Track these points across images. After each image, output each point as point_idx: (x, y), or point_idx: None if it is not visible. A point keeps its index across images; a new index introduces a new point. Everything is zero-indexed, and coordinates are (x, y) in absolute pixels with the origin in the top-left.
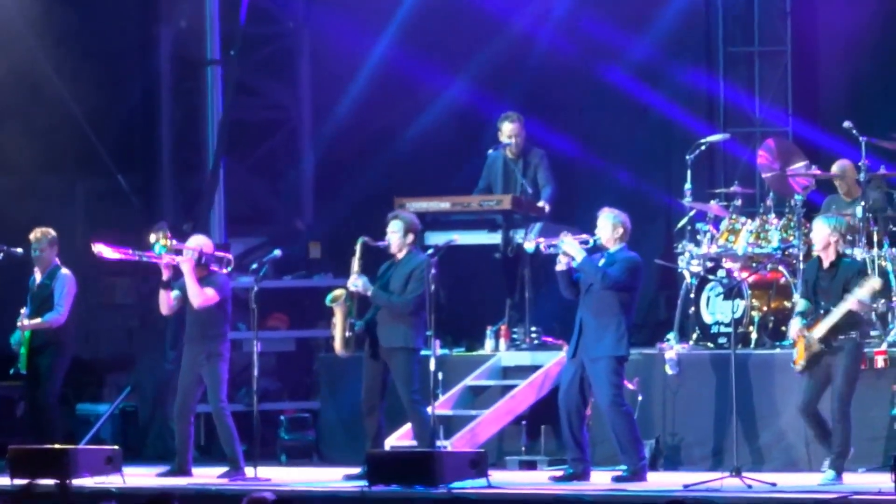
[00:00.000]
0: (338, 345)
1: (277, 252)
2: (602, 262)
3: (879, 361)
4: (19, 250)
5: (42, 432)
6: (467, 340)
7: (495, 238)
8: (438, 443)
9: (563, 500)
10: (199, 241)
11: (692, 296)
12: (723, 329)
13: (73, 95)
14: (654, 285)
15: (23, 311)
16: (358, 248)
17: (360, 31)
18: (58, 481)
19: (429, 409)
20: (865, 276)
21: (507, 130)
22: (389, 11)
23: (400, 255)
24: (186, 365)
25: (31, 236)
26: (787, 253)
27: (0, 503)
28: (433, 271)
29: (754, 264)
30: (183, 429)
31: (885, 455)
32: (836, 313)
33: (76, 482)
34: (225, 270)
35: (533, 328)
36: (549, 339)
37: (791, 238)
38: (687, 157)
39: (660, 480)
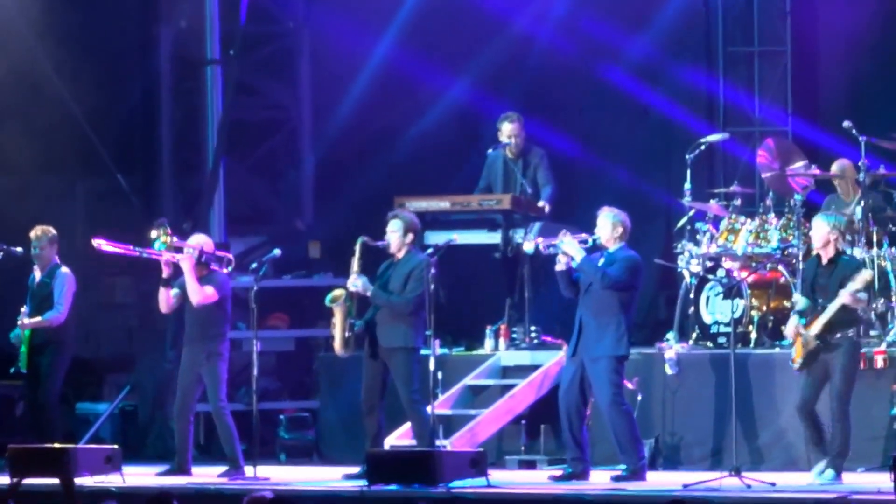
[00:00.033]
0: (337, 345)
1: (277, 251)
2: (602, 261)
3: (879, 361)
4: (19, 249)
5: (42, 431)
6: (467, 340)
7: (495, 238)
8: (438, 442)
9: (562, 499)
10: (199, 240)
11: (692, 295)
12: (722, 329)
13: (73, 95)
14: (653, 285)
15: (23, 309)
16: (357, 247)
17: (360, 30)
18: (62, 480)
19: (428, 409)
20: (858, 270)
21: (507, 130)
22: (389, 11)
23: (399, 255)
24: (186, 364)
25: (32, 234)
26: (786, 252)
27: None
28: (433, 271)
29: (754, 264)
30: (182, 428)
31: (885, 455)
32: (831, 308)
33: (76, 481)
34: (225, 270)
35: (532, 328)
36: (549, 339)
37: (790, 238)
38: (686, 156)
39: (659, 480)
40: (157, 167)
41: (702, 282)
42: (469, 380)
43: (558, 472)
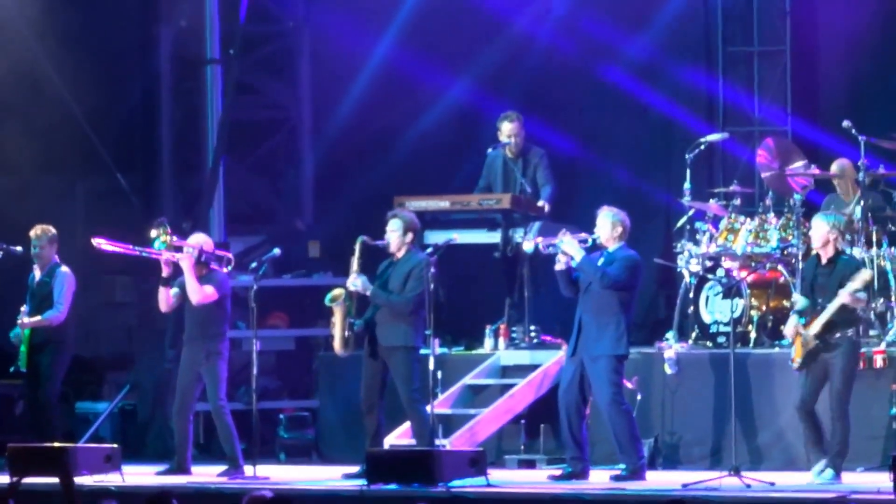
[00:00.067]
0: (337, 344)
1: (277, 251)
2: (601, 260)
3: (878, 361)
4: (19, 249)
5: (42, 431)
6: (466, 339)
7: (495, 237)
8: (437, 442)
9: (561, 499)
10: (199, 240)
11: (691, 295)
12: (722, 328)
13: (73, 95)
14: (653, 284)
15: (23, 308)
16: (357, 247)
17: (360, 30)
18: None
19: (428, 408)
20: (858, 270)
21: (507, 130)
22: (389, 11)
23: (399, 254)
24: (186, 363)
25: (32, 233)
26: (785, 252)
27: None
28: (433, 270)
29: (753, 263)
30: (182, 427)
31: (884, 454)
32: (831, 308)
33: (76, 481)
34: (225, 269)
35: (532, 327)
36: (548, 338)
37: (790, 237)
38: (686, 156)
39: (658, 479)
40: (157, 167)
41: (701, 281)
42: (468, 379)
43: (558, 472)
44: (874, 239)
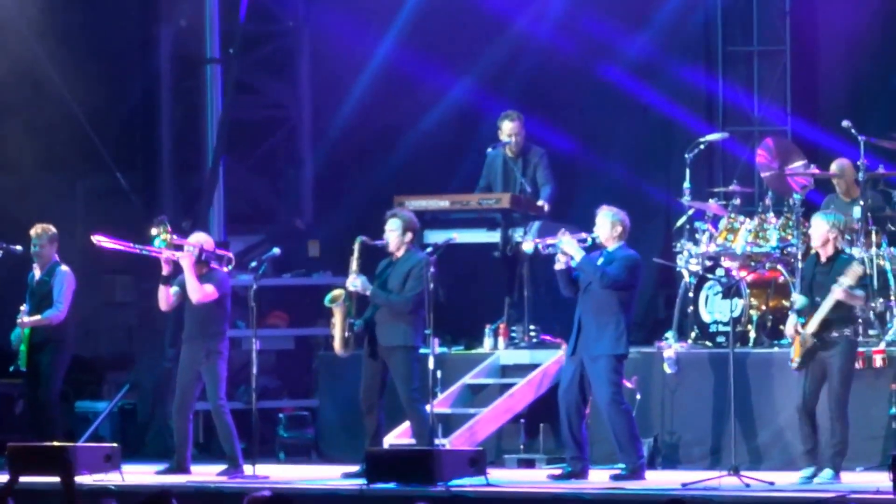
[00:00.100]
0: (337, 345)
1: (276, 250)
2: (601, 260)
3: (878, 360)
4: (19, 248)
5: (42, 430)
6: (466, 339)
7: (494, 237)
8: (437, 441)
9: (561, 498)
10: (199, 238)
11: (691, 294)
12: (721, 328)
13: (73, 94)
14: (652, 284)
15: (22, 307)
16: (356, 247)
17: (360, 29)
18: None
19: (427, 408)
20: (850, 265)
21: (507, 129)
22: (389, 10)
23: (398, 254)
24: (185, 362)
25: (32, 232)
26: (785, 252)
27: None
28: (432, 270)
29: (753, 263)
30: (182, 426)
31: (884, 454)
32: (826, 305)
33: (75, 480)
34: (225, 268)
35: (532, 326)
36: (548, 338)
37: (790, 237)
38: (686, 155)
39: (658, 479)
40: (157, 166)
41: (701, 281)
42: (468, 379)
43: (557, 471)
44: (874, 239)
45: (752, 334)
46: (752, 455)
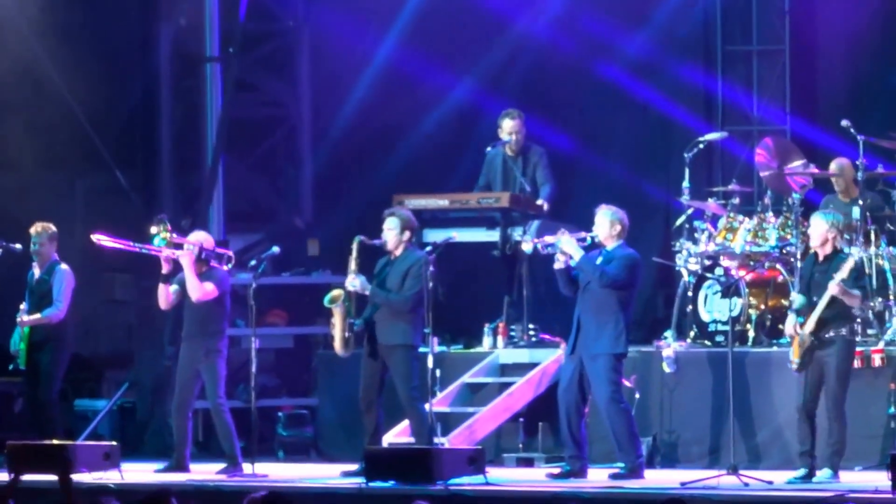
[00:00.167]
0: (338, 345)
1: (276, 249)
2: (600, 259)
3: (877, 360)
4: (18, 246)
5: (42, 429)
6: (465, 337)
7: (494, 235)
8: (436, 440)
9: (560, 497)
10: (199, 237)
11: (690, 294)
12: (720, 327)
13: (73, 93)
14: (651, 283)
15: (22, 306)
16: (354, 246)
17: (360, 28)
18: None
19: (427, 406)
20: (844, 261)
21: (508, 127)
22: (389, 9)
23: (397, 253)
24: (185, 361)
25: (32, 230)
26: (784, 251)
27: None
28: (431, 269)
29: (752, 262)
30: (181, 425)
31: (882, 453)
32: (822, 302)
33: (75, 478)
34: (225, 267)
35: (531, 325)
36: (547, 337)
37: (789, 236)
38: (685, 155)
39: (657, 478)
40: (157, 164)
41: (700, 280)
42: (467, 377)
43: (556, 470)
44: (872, 238)
45: (751, 333)
46: (750, 454)
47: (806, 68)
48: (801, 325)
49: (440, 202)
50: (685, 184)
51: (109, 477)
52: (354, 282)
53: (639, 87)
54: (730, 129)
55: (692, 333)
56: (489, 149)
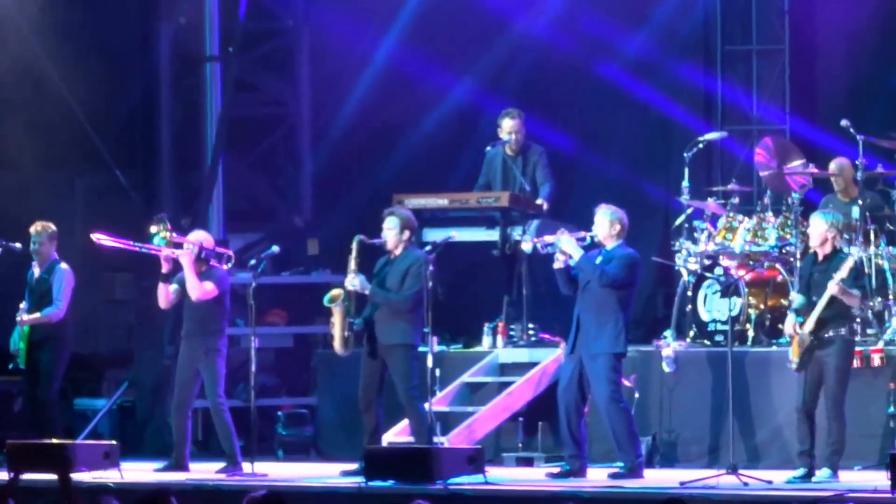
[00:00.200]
0: (337, 345)
1: (275, 248)
2: (599, 259)
3: (876, 359)
4: (18, 245)
5: (41, 427)
6: (465, 337)
7: (493, 235)
8: (436, 439)
9: (559, 496)
10: (199, 236)
11: (689, 293)
12: (720, 326)
13: (72, 92)
14: (651, 283)
15: (22, 305)
16: (354, 246)
17: (360, 28)
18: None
19: (426, 406)
20: (843, 260)
21: (508, 127)
22: (389, 9)
23: (396, 252)
24: (184, 360)
25: (32, 229)
26: (784, 251)
27: None
28: (431, 268)
29: (751, 262)
30: (180, 424)
31: (882, 453)
32: (821, 302)
33: (74, 477)
34: (225, 266)
35: (530, 325)
36: (547, 336)
37: (788, 236)
38: (685, 154)
39: (656, 477)
40: (157, 164)
41: (699, 280)
42: (467, 377)
43: (556, 470)
44: (872, 238)
45: (751, 333)
46: (750, 454)
47: (805, 68)
48: (801, 324)
49: (440, 201)
50: (685, 183)
51: (109, 476)
52: (354, 281)
53: (639, 86)
54: (729, 129)
55: (692, 333)
56: (489, 148)
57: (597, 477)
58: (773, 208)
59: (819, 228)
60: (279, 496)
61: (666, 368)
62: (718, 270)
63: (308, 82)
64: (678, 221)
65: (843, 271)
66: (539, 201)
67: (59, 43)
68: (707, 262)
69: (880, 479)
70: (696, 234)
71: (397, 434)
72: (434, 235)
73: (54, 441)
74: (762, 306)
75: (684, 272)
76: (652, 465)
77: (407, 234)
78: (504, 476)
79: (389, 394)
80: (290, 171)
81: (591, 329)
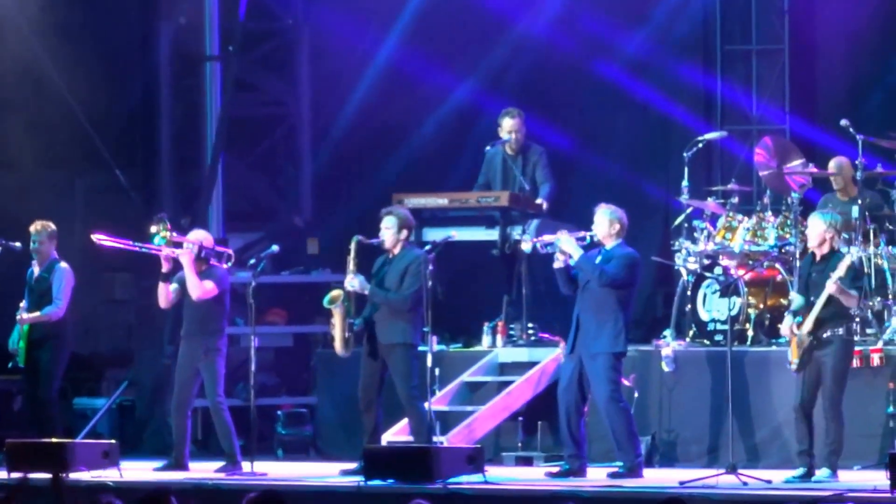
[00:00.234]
0: (338, 346)
1: (275, 248)
2: (599, 258)
3: (875, 359)
4: (18, 244)
5: (41, 427)
6: (464, 336)
7: (493, 234)
8: (435, 438)
9: (559, 496)
10: (199, 236)
11: (689, 293)
12: (719, 326)
13: (73, 92)
14: (651, 282)
15: (21, 304)
16: (352, 246)
17: (359, 27)
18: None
19: (426, 405)
20: (841, 259)
21: (508, 126)
22: (388, 8)
23: (395, 251)
24: (184, 359)
25: (32, 228)
26: (783, 250)
27: None
28: (430, 267)
29: (751, 262)
30: (180, 423)
31: (881, 452)
32: (819, 302)
33: (73, 476)
34: (225, 265)
35: (530, 324)
36: (546, 336)
37: (788, 236)
38: (684, 154)
39: (656, 477)
40: (157, 163)
41: (699, 279)
42: (466, 376)
43: (555, 469)
44: (871, 238)
45: (750, 333)
46: (749, 453)
47: (805, 68)
48: (799, 325)
49: (439, 201)
50: (684, 183)
51: (108, 475)
52: (353, 281)
53: (638, 86)
54: (729, 129)
55: (691, 332)
56: (488, 148)
57: (596, 476)
58: (772, 208)
59: (817, 229)
60: (277, 495)
61: (665, 368)
62: (718, 270)
63: (308, 82)
64: (678, 221)
65: (841, 270)
66: (539, 201)
67: (60, 42)
68: (706, 261)
69: (880, 478)
70: (695, 234)
71: (397, 433)
72: (434, 235)
73: (53, 440)
74: (761, 306)
75: (684, 272)
76: (651, 464)
77: (405, 233)
78: (503, 475)
79: (389, 393)
80: (290, 170)
81: (591, 329)
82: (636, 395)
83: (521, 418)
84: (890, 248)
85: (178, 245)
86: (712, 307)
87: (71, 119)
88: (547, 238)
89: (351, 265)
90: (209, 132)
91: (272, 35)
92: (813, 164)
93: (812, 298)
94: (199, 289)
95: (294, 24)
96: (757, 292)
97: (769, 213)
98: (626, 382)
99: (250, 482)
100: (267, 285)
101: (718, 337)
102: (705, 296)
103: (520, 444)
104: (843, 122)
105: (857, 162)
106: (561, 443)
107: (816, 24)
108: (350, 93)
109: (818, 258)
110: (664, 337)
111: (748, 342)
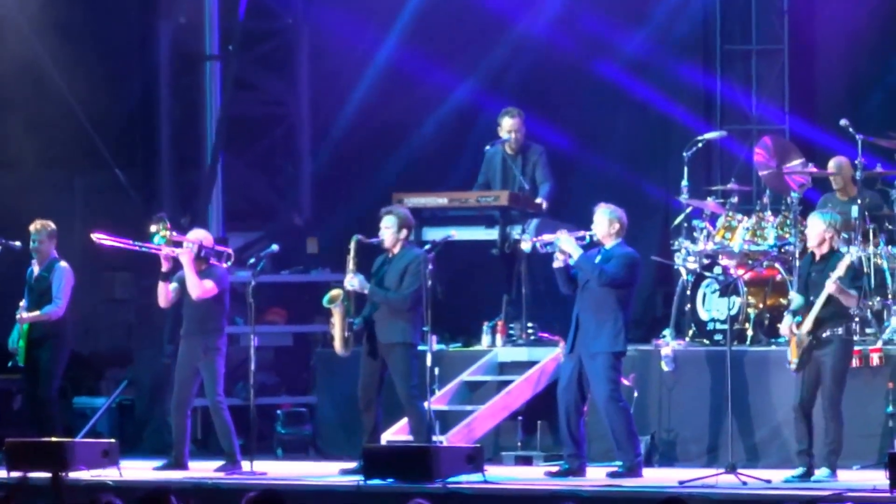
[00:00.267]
0: (338, 345)
1: (274, 247)
2: (599, 258)
3: (875, 359)
4: (17, 243)
5: (41, 426)
6: (464, 336)
7: (492, 234)
8: (435, 438)
9: (558, 495)
10: (199, 235)
11: (688, 292)
12: (719, 326)
13: (73, 91)
14: (650, 282)
15: (21, 303)
16: (352, 246)
17: (359, 26)
18: (52, 474)
19: (426, 405)
20: (840, 259)
21: (507, 125)
22: (388, 8)
23: (394, 251)
24: (183, 359)
25: (31, 227)
26: (783, 250)
27: None
28: (430, 267)
29: (750, 261)
30: (180, 422)
31: (880, 452)
32: (819, 301)
33: (73, 475)
34: (225, 264)
35: (529, 324)
36: (546, 335)
37: (787, 235)
38: (684, 153)
39: (655, 477)
40: (157, 162)
41: (698, 279)
42: (466, 376)
43: (555, 469)
44: (871, 238)
45: (750, 332)
46: (749, 453)
47: (805, 68)
48: (799, 324)
49: (439, 200)
50: (684, 183)
51: (108, 474)
52: (353, 281)
53: (638, 86)
54: (729, 129)
55: (691, 332)
56: (488, 147)
57: (596, 476)
58: (772, 207)
59: (817, 228)
60: (277, 495)
61: (665, 367)
62: (717, 270)
63: (308, 82)
64: (677, 221)
65: (840, 270)
66: (538, 200)
67: (60, 42)
68: (706, 261)
69: (879, 478)
70: (695, 234)
71: (396, 433)
72: (433, 234)
73: (53, 439)
74: (761, 305)
75: (683, 271)
76: (651, 464)
77: (404, 232)
78: (503, 475)
79: (389, 392)
80: (289, 169)
81: (591, 328)
82: (636, 394)
83: (520, 418)
84: (889, 247)
85: (178, 244)
86: (712, 307)
87: (71, 118)
88: (546, 237)
89: (351, 264)
90: (209, 131)
91: (272, 34)
92: (812, 164)
93: (811, 298)
94: (199, 288)
95: (293, 24)
96: (756, 292)
97: (769, 212)
98: (625, 382)
99: (250, 481)
100: (266, 284)
101: (718, 336)
102: (705, 295)
103: (519, 444)
104: (843, 121)
105: (856, 162)
106: (560, 442)
107: (816, 23)
108: (350, 92)
109: (818, 258)
110: (664, 336)
111: (748, 342)
